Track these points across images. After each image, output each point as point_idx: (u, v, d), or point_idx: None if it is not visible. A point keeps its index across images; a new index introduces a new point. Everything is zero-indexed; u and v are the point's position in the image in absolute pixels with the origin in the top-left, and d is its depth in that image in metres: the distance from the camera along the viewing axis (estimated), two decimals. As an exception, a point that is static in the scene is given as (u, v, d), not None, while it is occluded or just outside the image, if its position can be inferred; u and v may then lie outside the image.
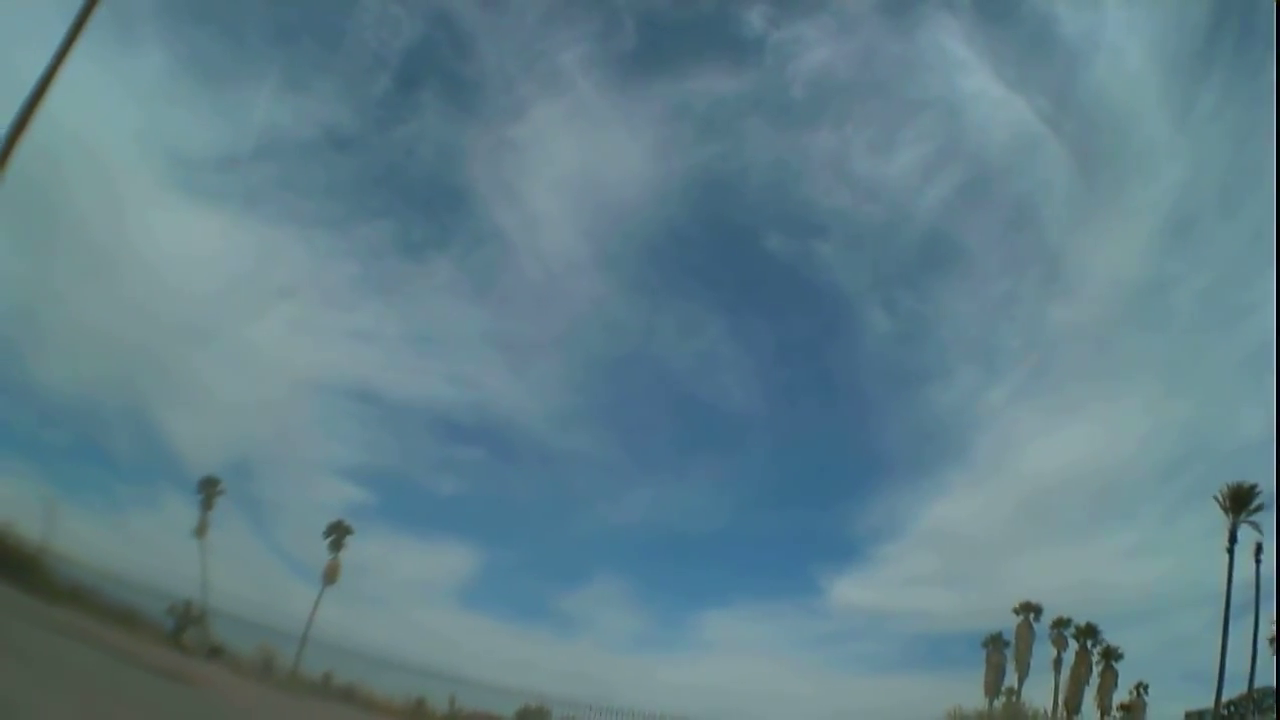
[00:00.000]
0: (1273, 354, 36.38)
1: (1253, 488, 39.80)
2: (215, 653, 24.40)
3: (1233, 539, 39.21)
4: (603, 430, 63.60)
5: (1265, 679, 37.83)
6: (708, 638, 56.38)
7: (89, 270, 51.07)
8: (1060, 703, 43.32)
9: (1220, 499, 40.47)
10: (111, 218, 52.20)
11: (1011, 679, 44.44)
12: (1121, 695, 43.03)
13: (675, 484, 63.11)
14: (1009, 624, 45.71)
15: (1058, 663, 43.92)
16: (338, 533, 44.81)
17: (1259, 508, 39.67)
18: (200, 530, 36.71)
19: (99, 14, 31.54)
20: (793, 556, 58.39)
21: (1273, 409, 37.30)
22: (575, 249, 65.24)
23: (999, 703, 43.80)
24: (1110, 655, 43.27)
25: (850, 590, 55.96)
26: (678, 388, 64.50)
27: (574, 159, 64.67)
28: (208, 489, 38.10)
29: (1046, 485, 55.24)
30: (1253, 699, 37.01)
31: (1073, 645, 44.09)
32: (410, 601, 53.64)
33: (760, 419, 62.65)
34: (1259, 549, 38.53)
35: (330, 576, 42.92)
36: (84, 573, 29.92)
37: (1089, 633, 43.99)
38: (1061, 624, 44.51)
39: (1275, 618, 35.67)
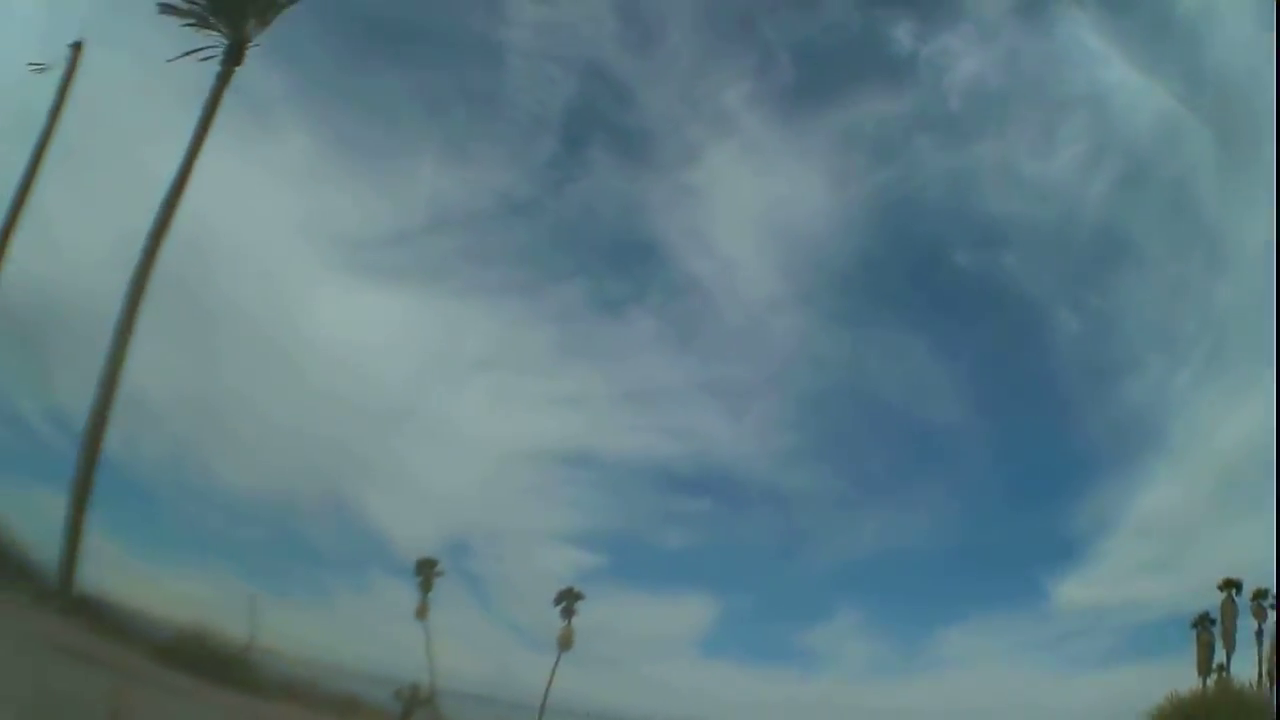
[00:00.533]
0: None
1: None
2: None
3: None
4: (822, 463, 60.62)
5: None
6: (945, 655, 53.21)
7: (263, 364, 51.03)
8: (1263, 674, 41.94)
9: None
10: (278, 308, 52.00)
11: (1221, 656, 42.46)
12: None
13: (898, 507, 60.38)
14: (1215, 602, 43.86)
15: (1259, 634, 42.14)
16: (568, 599, 43.24)
17: None
18: (421, 612, 35.62)
19: (228, 104, 30.21)
20: (1016, 562, 55.03)
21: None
22: (771, 287, 62.68)
23: (1210, 680, 41.80)
24: (1308, 621, 38.79)
25: (1072, 590, 52.55)
26: (888, 411, 61.63)
27: (754, 197, 62.48)
28: (425, 570, 37.06)
29: (1237, 462, 51.43)
30: None
31: (1272, 616, 42.29)
32: (648, 657, 51.58)
33: (969, 431, 59.47)
34: None
35: (565, 643, 41.58)
36: (297, 666, 28.67)
37: (1286, 601, 40.17)
38: (1260, 596, 42.47)
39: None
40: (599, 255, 60.41)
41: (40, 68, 32.93)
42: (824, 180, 62.27)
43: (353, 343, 53.95)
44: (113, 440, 29.62)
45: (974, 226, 59.29)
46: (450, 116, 58.64)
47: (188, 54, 30.78)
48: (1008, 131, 60.92)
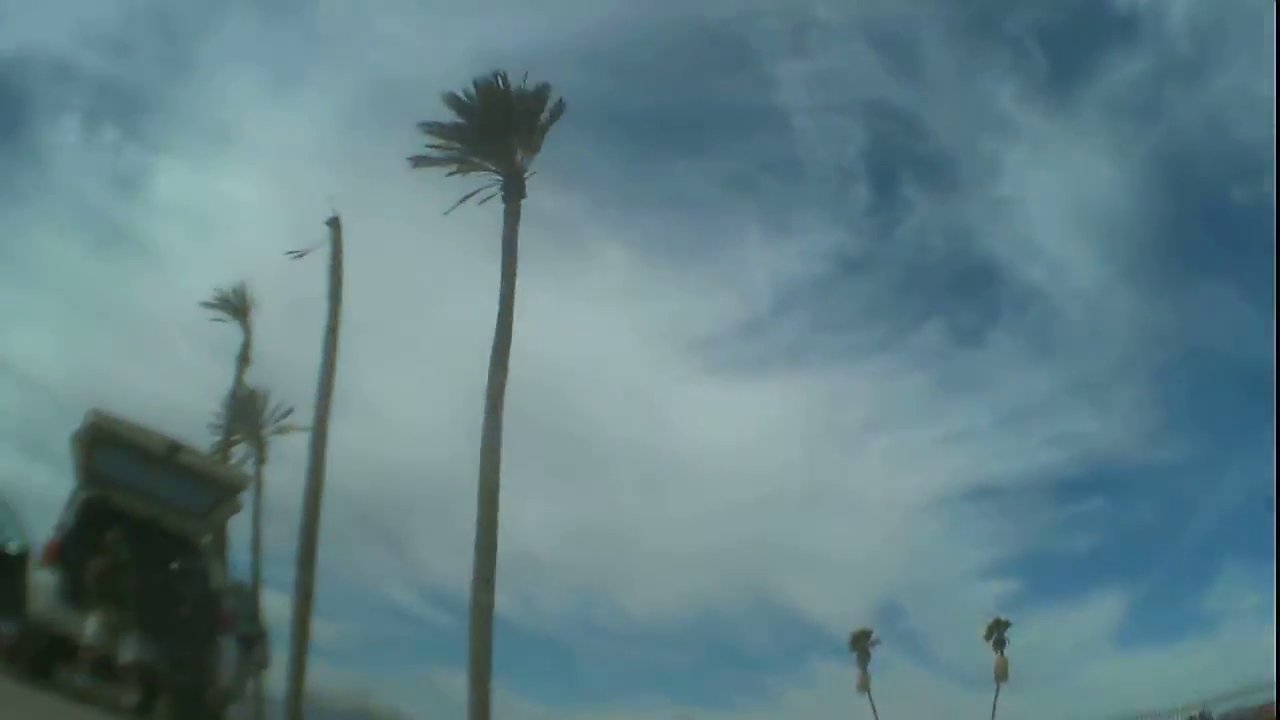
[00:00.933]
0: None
1: None
2: None
3: None
4: (1183, 432, 61.66)
5: None
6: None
7: (649, 483, 50.04)
8: None
9: None
10: (649, 425, 51.08)
11: None
12: None
13: (1259, 455, 60.13)
14: None
15: None
16: (997, 630, 43.99)
17: None
18: (862, 685, 34.62)
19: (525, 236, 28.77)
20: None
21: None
22: (1096, 273, 63.78)
23: None
24: None
25: None
26: (1225, 363, 62.63)
27: (1055, 191, 63.46)
28: (860, 643, 36.08)
29: None
30: None
31: None
32: (1076, 664, 51.36)
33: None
34: None
35: (1000, 674, 42.32)
36: None
37: None
38: None
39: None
40: (943, 289, 60.16)
41: (299, 254, 31.05)
42: (1105, 155, 62.64)
43: (733, 440, 52.89)
44: (507, 604, 27.93)
45: (1237, 159, 59.45)
46: (757, 191, 58.46)
47: (464, 200, 28.91)
48: (1233, 64, 61.34)
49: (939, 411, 58.19)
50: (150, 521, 10.55)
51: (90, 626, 9.33)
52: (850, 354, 57.53)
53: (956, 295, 57.41)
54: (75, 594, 9.53)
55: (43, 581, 9.55)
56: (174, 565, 10.19)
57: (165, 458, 10.05)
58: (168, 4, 69.60)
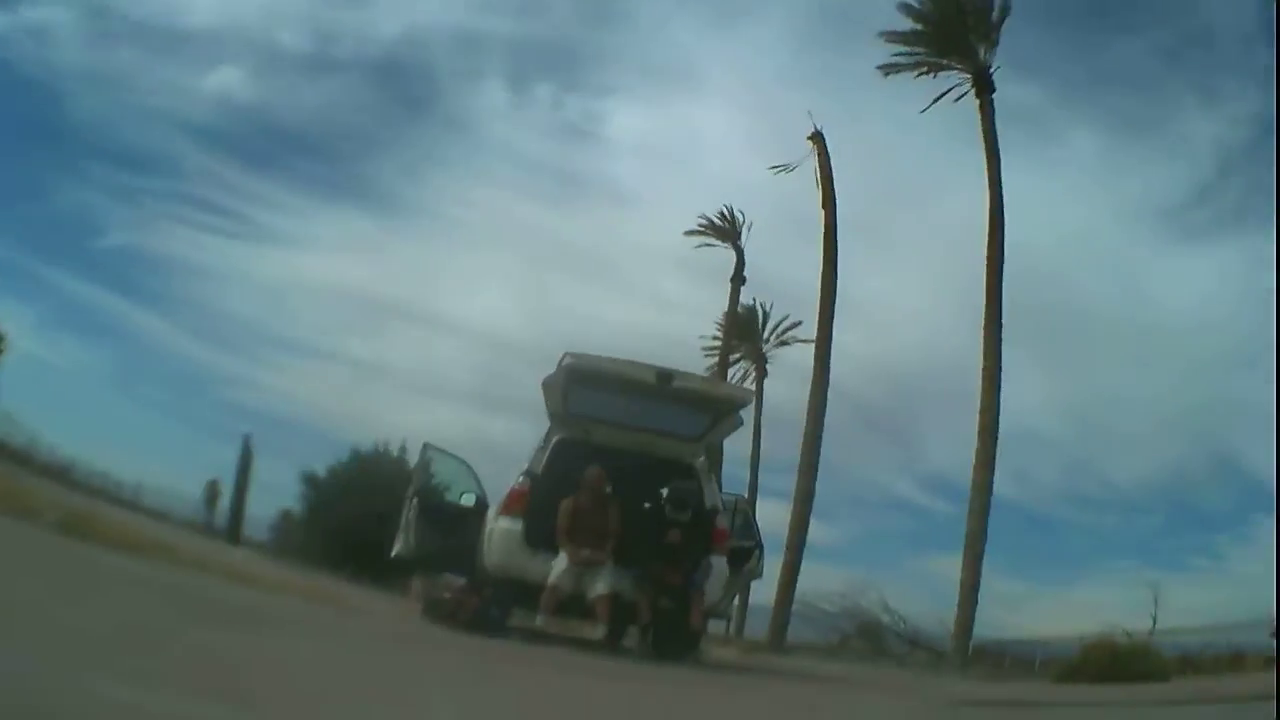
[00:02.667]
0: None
1: None
2: None
3: None
4: None
5: None
6: None
7: (1128, 352, 47.69)
8: None
9: None
10: (1127, 293, 48.40)
11: None
12: None
13: None
14: None
15: None
16: None
17: None
18: None
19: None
20: None
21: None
22: None
23: None
24: None
25: None
26: None
27: None
28: None
29: None
30: None
31: None
32: None
33: None
34: None
35: None
36: (1193, 637, 23.68)
37: None
38: None
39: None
40: None
41: (784, 168, 30.08)
42: None
43: (1193, 302, 49.29)
44: (1003, 483, 25.68)
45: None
46: (1184, 63, 53.21)
47: (938, 98, 26.50)
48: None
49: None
50: (635, 453, 9.77)
51: (557, 568, 8.68)
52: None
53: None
54: (540, 539, 8.92)
55: (504, 531, 9.03)
56: (662, 491, 9.44)
57: (655, 387, 9.09)
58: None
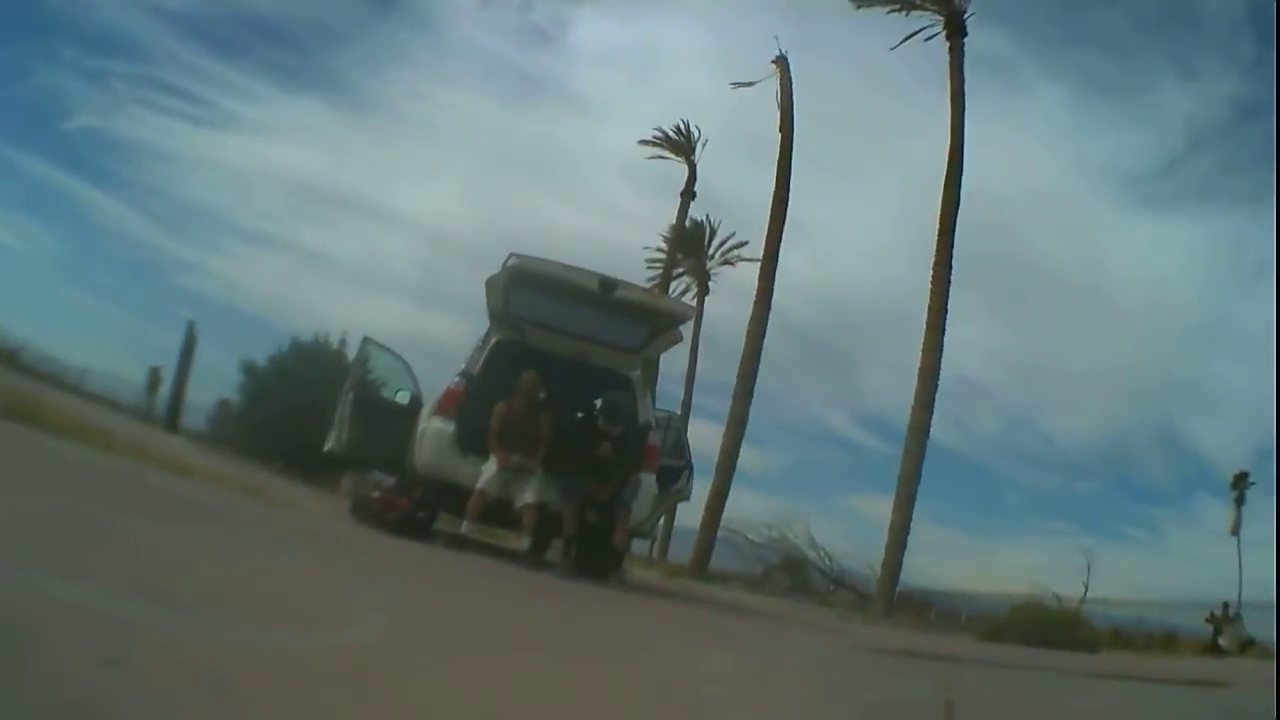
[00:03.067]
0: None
1: None
2: (1246, 646, 19.17)
3: None
4: None
5: None
6: None
7: (1077, 313, 48.44)
8: None
9: None
10: (1080, 255, 48.93)
11: None
12: None
13: None
14: None
15: None
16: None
17: None
18: (1232, 527, 29.82)
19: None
20: None
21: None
22: None
23: None
24: None
25: None
26: None
27: None
28: (1239, 485, 31.05)
29: None
30: None
31: None
32: None
33: None
34: None
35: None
36: (1125, 610, 25.38)
37: None
38: None
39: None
40: None
41: (744, 84, 29.97)
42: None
43: (1151, 274, 49.93)
44: (941, 427, 26.15)
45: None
46: (1165, 36, 53.01)
47: (909, 37, 26.66)
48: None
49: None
50: (572, 360, 9.60)
51: (486, 473, 8.52)
52: (1250, 199, 47.38)
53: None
54: (471, 442, 8.75)
55: (435, 432, 8.85)
56: (595, 402, 9.31)
57: (597, 295, 8.88)
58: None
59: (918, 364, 23.51)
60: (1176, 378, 49.21)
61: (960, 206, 24.06)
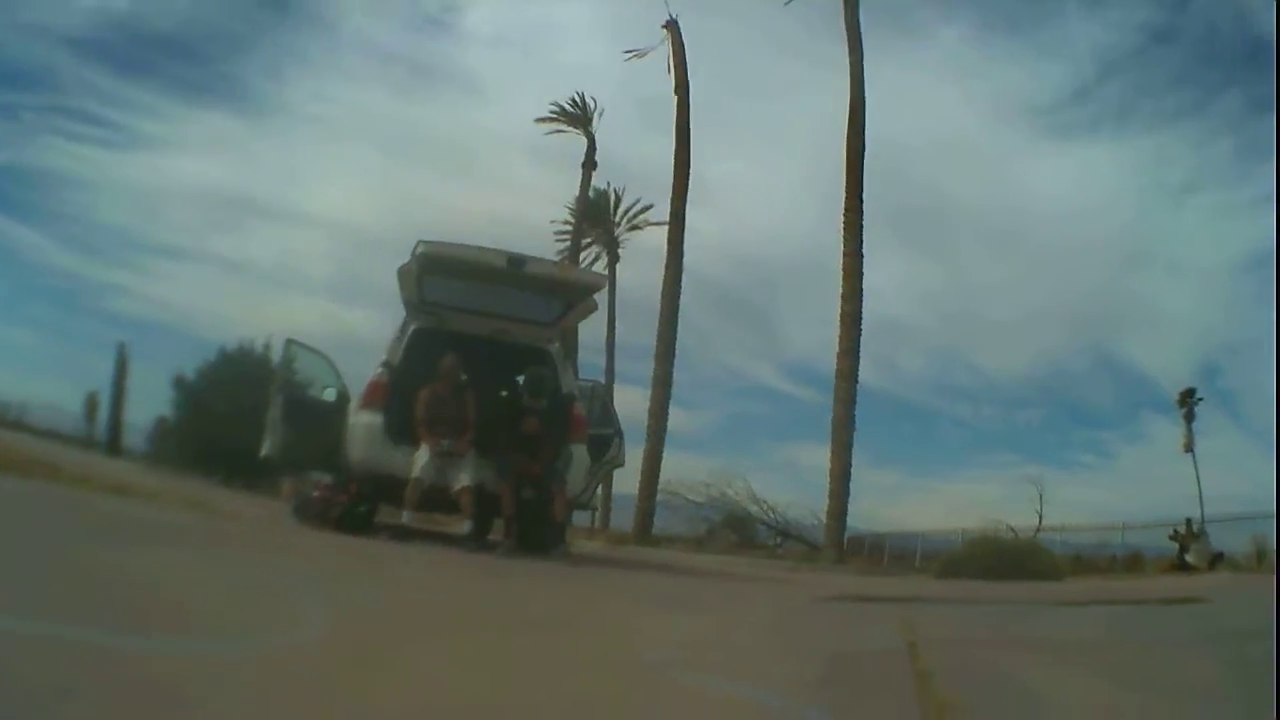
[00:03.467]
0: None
1: None
2: (1215, 561, 19.18)
3: None
4: None
5: None
6: None
7: (997, 247, 48.94)
8: None
9: None
10: (994, 190, 49.29)
11: None
12: None
13: None
14: None
15: None
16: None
17: None
18: (1185, 445, 29.92)
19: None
20: None
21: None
22: None
23: None
24: None
25: None
26: None
27: None
28: (1186, 402, 31.07)
29: None
30: None
31: None
32: None
33: None
34: None
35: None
36: (1084, 535, 25.31)
37: None
38: None
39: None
40: (1239, 63, 52.63)
41: (636, 54, 30.19)
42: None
43: (1073, 201, 50.50)
44: (869, 371, 26.57)
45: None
46: None
47: None
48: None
49: (1246, 176, 47.42)
50: (490, 340, 9.76)
51: (419, 461, 8.67)
52: (1164, 121, 48.97)
53: (1251, 68, 45.71)
54: (402, 432, 8.89)
55: (364, 426, 8.96)
56: (517, 379, 9.48)
57: (507, 273, 8.98)
58: None
59: (838, 310, 23.87)
60: (1109, 302, 50.31)
61: (868, 154, 24.34)
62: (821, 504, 22.99)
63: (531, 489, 8.77)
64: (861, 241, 23.92)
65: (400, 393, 8.70)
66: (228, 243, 74.88)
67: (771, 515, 24.51)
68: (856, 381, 23.28)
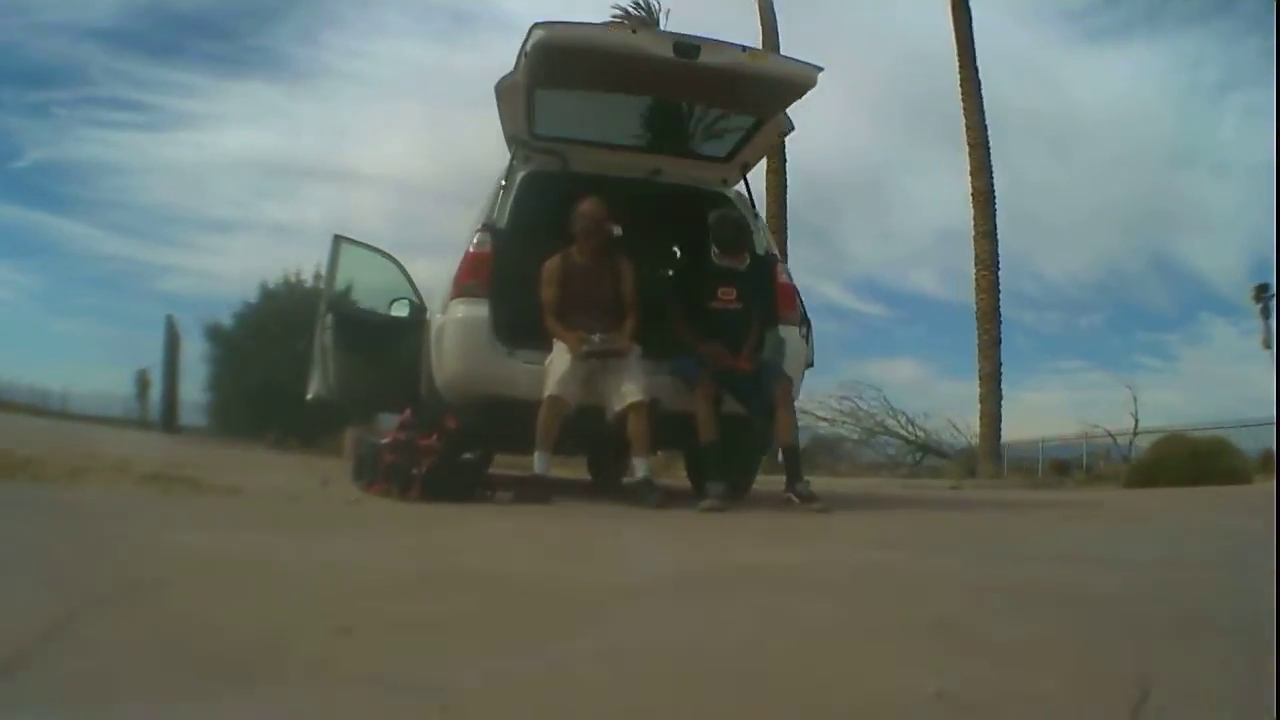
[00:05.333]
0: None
1: None
2: None
3: None
4: None
5: None
6: None
7: (1053, 153, 45.73)
8: None
9: None
10: (1043, 96, 45.81)
11: None
12: None
13: None
14: None
15: None
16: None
17: None
18: (1265, 341, 26.51)
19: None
20: None
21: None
22: None
23: None
24: None
25: None
26: None
27: None
28: (1259, 297, 27.55)
29: None
30: None
31: None
32: None
33: None
34: None
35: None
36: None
37: None
38: None
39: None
40: None
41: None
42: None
43: (1111, 106, 47.35)
44: (933, 283, 23.15)
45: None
46: None
47: None
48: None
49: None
50: (640, 186, 5.74)
51: (555, 371, 4.80)
52: (1195, 18, 45.35)
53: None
54: (522, 328, 5.00)
55: (462, 323, 5.02)
56: (678, 246, 5.87)
57: (674, 66, 4.76)
58: None
59: (968, 188, 20.05)
60: (1159, 203, 46.73)
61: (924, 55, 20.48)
62: (942, 416, 19.72)
63: (743, 398, 5.04)
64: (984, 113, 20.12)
65: (510, 271, 4.93)
66: (278, 209, 73.16)
67: (910, 429, 20.78)
68: (998, 269, 19.50)
